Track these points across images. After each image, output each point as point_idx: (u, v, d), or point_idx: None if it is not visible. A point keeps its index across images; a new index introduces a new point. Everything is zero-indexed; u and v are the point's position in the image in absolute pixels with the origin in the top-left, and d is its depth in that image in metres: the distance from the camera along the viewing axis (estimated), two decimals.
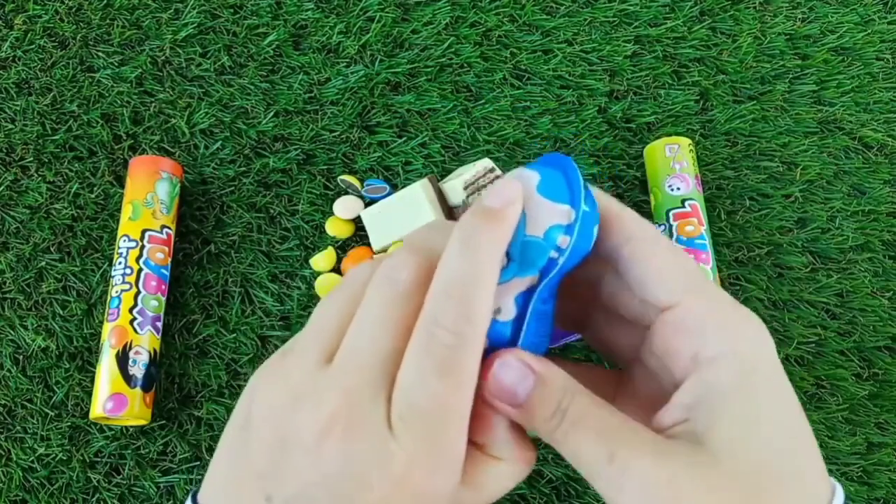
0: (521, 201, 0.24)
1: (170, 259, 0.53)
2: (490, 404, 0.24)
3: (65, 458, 0.50)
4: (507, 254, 0.25)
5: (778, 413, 0.22)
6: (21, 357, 0.52)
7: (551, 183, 0.24)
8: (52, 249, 0.54)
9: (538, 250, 0.24)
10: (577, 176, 0.24)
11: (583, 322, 0.29)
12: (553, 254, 0.24)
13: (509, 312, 0.24)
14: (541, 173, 0.25)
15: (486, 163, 0.54)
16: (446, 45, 0.60)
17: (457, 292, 0.22)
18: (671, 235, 0.53)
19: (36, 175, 0.56)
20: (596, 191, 0.25)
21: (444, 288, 0.23)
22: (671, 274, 0.24)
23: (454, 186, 0.52)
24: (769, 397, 0.22)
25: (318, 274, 0.54)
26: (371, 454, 0.21)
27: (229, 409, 0.50)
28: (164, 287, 0.52)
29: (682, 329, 0.23)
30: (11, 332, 0.52)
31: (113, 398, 0.47)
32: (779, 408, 0.23)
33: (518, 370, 0.24)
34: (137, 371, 0.48)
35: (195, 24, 0.60)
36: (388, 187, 0.55)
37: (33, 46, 0.59)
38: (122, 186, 0.55)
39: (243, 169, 0.57)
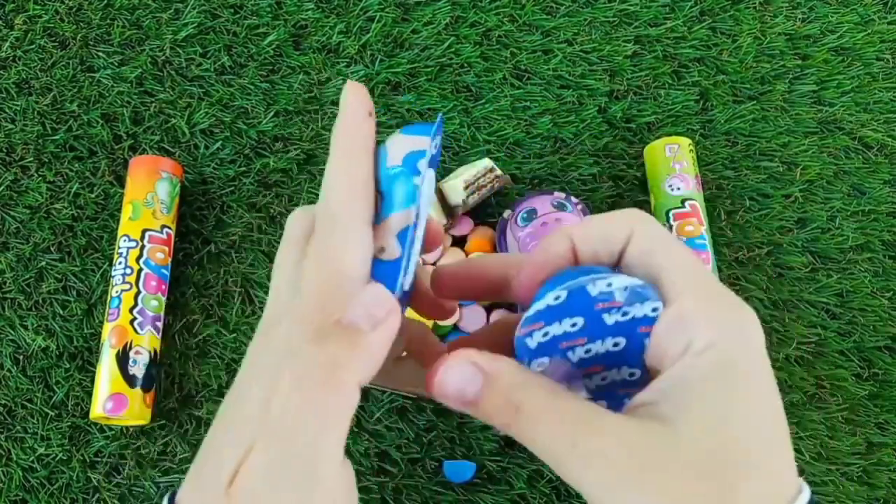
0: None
1: (170, 259, 0.53)
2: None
3: (65, 458, 0.50)
4: (379, 191, 0.26)
5: (751, 407, 0.23)
6: (21, 357, 0.52)
7: (414, 127, 0.27)
8: (52, 249, 0.54)
9: (404, 181, 0.26)
10: (439, 124, 0.27)
11: None
12: (417, 180, 0.26)
13: (393, 251, 0.25)
14: (410, 127, 0.28)
15: (486, 163, 0.54)
16: (446, 45, 0.60)
17: None
18: None
19: (36, 175, 0.56)
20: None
21: None
22: (674, 272, 0.25)
23: (454, 186, 0.52)
24: (745, 391, 0.23)
25: None
26: (288, 258, 0.26)
27: None
28: (164, 287, 0.52)
29: (676, 325, 0.24)
30: (11, 332, 0.52)
31: (113, 398, 0.47)
32: (753, 402, 0.23)
33: (464, 372, 0.25)
34: (137, 371, 0.48)
35: (195, 24, 0.60)
36: None
37: (33, 46, 0.59)
38: (122, 186, 0.55)
39: (243, 169, 0.57)
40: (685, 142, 0.56)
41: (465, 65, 0.60)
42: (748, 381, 0.23)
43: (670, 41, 0.63)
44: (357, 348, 0.24)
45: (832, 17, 0.65)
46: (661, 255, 0.25)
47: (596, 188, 0.58)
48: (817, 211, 0.59)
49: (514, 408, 0.24)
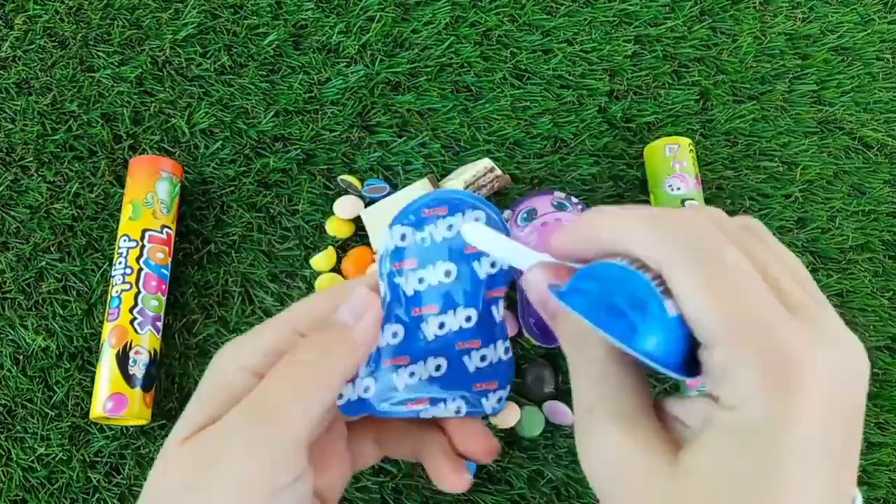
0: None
1: (170, 259, 0.53)
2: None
3: (65, 458, 0.50)
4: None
5: (758, 475, 0.20)
6: (21, 357, 0.52)
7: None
8: (52, 249, 0.54)
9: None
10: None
11: None
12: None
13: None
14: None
15: (486, 163, 0.54)
16: (446, 44, 0.60)
17: None
18: None
19: (36, 175, 0.56)
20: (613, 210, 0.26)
21: None
22: (711, 314, 0.22)
23: (454, 186, 0.52)
24: (755, 461, 0.20)
25: (319, 274, 0.54)
26: None
27: None
28: (164, 287, 0.52)
29: (709, 375, 0.22)
30: (11, 332, 0.52)
31: (113, 398, 0.47)
32: (764, 486, 0.20)
33: (548, 278, 0.27)
34: (137, 371, 0.48)
35: (195, 24, 0.60)
36: (388, 187, 0.55)
37: (33, 46, 0.59)
38: (122, 186, 0.55)
39: (243, 169, 0.57)
40: (685, 142, 0.56)
41: (465, 65, 0.60)
42: (770, 461, 0.20)
43: (670, 41, 0.63)
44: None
45: (832, 16, 0.65)
46: (693, 299, 0.22)
47: (596, 188, 0.58)
48: (817, 211, 0.59)
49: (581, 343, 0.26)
